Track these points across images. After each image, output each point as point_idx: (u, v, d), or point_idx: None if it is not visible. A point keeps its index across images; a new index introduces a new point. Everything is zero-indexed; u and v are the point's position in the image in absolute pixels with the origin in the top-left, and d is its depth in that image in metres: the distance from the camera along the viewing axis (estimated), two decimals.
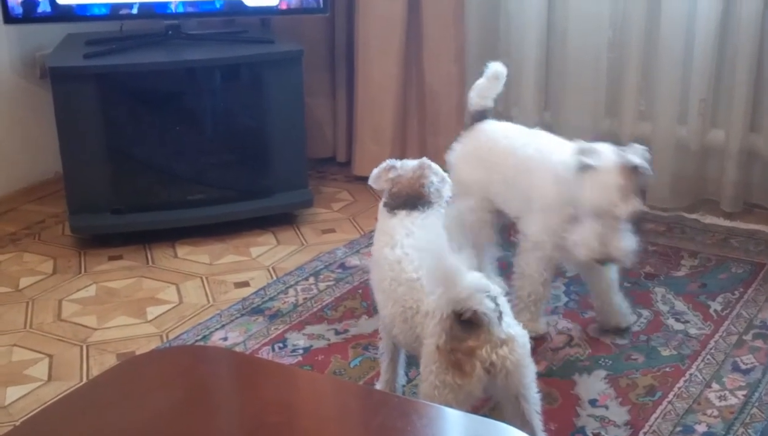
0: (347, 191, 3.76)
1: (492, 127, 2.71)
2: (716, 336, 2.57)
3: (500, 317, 1.82)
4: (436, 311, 1.84)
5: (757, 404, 2.28)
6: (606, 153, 2.26)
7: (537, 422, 1.91)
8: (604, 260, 2.30)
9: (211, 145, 3.43)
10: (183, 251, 3.23)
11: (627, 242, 2.26)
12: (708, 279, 2.88)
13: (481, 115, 2.73)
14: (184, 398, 1.52)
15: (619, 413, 2.26)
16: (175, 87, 3.35)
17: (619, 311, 2.61)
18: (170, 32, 3.37)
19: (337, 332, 2.67)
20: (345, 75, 3.87)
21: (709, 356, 2.49)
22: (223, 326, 2.71)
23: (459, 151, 2.74)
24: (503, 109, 3.73)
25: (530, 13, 3.51)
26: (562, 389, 2.35)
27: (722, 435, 2.18)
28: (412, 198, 2.17)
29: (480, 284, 1.78)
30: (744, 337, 2.57)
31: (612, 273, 2.55)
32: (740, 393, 2.32)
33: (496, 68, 2.68)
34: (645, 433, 2.19)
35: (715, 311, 2.70)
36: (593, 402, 2.30)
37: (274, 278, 3.02)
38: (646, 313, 2.71)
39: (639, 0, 3.34)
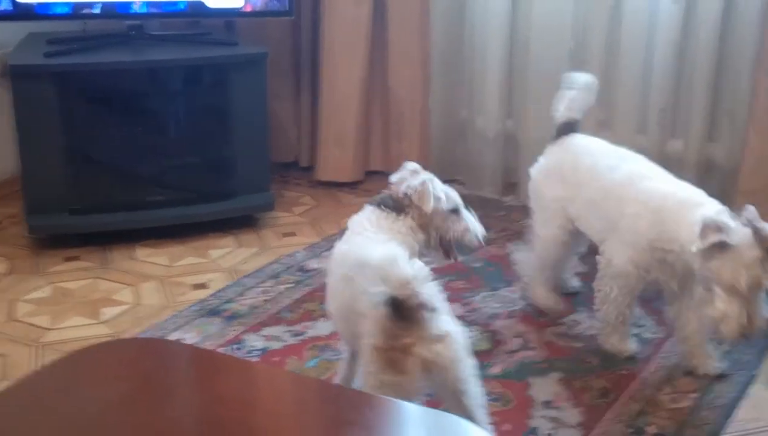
0: (309, 196, 3.76)
1: (579, 142, 2.59)
2: (669, 340, 2.59)
3: (433, 313, 1.82)
4: (371, 309, 1.84)
5: (707, 406, 2.30)
6: (740, 228, 2.11)
7: (482, 416, 1.92)
8: (750, 335, 2.16)
9: (172, 147, 3.42)
10: (142, 252, 3.20)
11: (766, 311, 2.17)
12: None
13: (567, 128, 2.61)
14: (134, 390, 1.50)
15: (572, 415, 2.28)
16: (136, 88, 3.33)
17: (710, 355, 2.44)
18: (133, 32, 3.35)
19: (294, 334, 2.66)
20: (309, 79, 3.88)
21: (662, 360, 2.51)
22: (179, 327, 2.69)
23: (541, 165, 2.64)
24: (468, 117, 3.76)
25: (494, 23, 3.54)
26: (516, 391, 2.36)
27: None
28: (388, 198, 2.17)
29: (417, 272, 1.78)
30: None
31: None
32: (692, 396, 2.34)
33: (587, 79, 2.57)
34: (596, 434, 2.21)
35: (669, 316, 2.72)
36: (547, 404, 2.31)
37: (233, 280, 3.01)
38: None
39: (600, 12, 3.40)
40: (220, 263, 3.14)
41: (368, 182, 3.81)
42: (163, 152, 3.39)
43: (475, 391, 1.90)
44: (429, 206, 2.13)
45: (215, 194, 3.38)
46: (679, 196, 2.31)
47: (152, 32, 3.40)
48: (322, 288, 2.87)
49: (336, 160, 3.80)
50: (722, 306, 2.12)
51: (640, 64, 3.35)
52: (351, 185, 3.79)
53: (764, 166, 3.18)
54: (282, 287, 2.95)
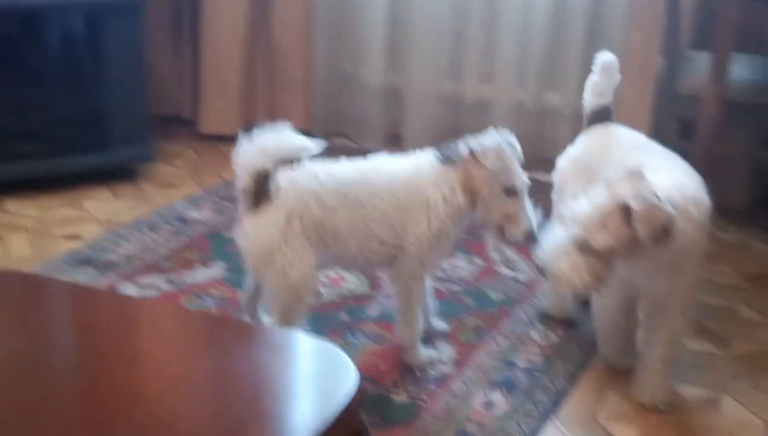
0: (192, 149, 3.68)
1: (610, 133, 2.29)
2: (541, 283, 2.66)
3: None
4: None
5: (575, 341, 2.39)
6: None
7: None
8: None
9: (44, 96, 3.28)
10: (11, 204, 3.07)
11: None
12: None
13: (598, 117, 2.33)
14: (10, 320, 1.43)
15: (446, 352, 2.32)
16: (3, 32, 3.17)
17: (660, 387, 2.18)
18: None
19: (171, 282, 2.61)
20: (190, 30, 3.78)
21: (535, 299, 2.59)
22: (50, 276, 2.60)
23: (568, 155, 2.36)
24: (352, 70, 3.75)
25: None
26: (393, 332, 2.38)
27: (542, 369, 2.27)
28: (448, 148, 2.13)
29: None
30: None
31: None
32: (561, 332, 2.42)
33: (606, 58, 2.33)
34: (470, 369, 2.26)
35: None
36: (423, 342, 2.34)
37: (108, 230, 2.92)
38: (479, 261, 2.79)
39: None
40: (95, 214, 3.05)
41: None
42: (34, 102, 3.25)
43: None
44: (485, 165, 2.02)
45: (90, 146, 3.27)
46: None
47: None
48: (201, 238, 2.86)
49: (219, 113, 3.73)
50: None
51: (519, 17, 3.40)
52: (235, 139, 3.69)
53: (636, 117, 3.29)
54: (159, 237, 2.89)
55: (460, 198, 2.08)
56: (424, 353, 2.27)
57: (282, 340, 1.26)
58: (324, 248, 2.06)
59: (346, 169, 2.10)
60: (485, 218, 2.11)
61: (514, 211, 2.07)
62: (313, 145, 2.02)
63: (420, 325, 2.24)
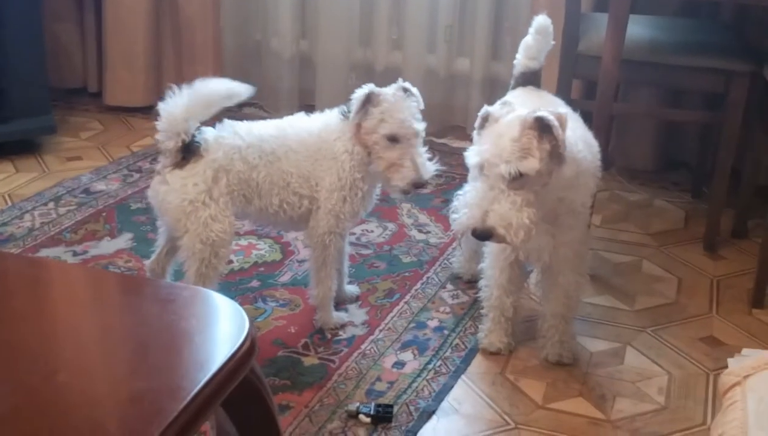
0: (98, 121, 3.59)
1: (531, 94, 2.25)
2: (454, 244, 2.69)
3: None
4: None
5: (485, 302, 2.41)
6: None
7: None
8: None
9: None
10: None
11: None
12: (451, 195, 2.97)
13: (527, 79, 2.30)
14: None
15: (357, 315, 2.32)
16: None
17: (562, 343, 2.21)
18: None
19: (75, 254, 2.54)
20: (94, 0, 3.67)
21: (446, 261, 2.61)
22: None
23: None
24: (263, 39, 3.70)
25: None
26: (304, 297, 2.37)
27: (452, 328, 2.30)
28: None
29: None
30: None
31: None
32: (471, 292, 2.45)
33: (541, 21, 2.28)
34: (381, 330, 2.26)
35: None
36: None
37: (9, 204, 2.83)
38: (391, 226, 2.79)
39: None
40: None
41: None
42: None
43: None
44: (352, 118, 2.05)
45: None
46: None
47: None
48: (106, 209, 2.79)
49: (125, 84, 3.64)
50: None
51: None
52: (143, 110, 3.63)
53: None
54: (63, 209, 2.81)
55: (357, 149, 2.09)
56: (336, 315, 2.27)
57: (171, 292, 1.23)
58: (247, 205, 2.10)
59: (263, 126, 2.14)
60: (375, 167, 2.10)
61: (398, 159, 2.04)
62: (244, 89, 2.03)
63: (333, 286, 2.24)
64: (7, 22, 3.08)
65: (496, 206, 1.83)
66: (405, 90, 2.08)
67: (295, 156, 2.10)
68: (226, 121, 2.10)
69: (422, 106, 2.10)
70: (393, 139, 2.04)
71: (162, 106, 1.98)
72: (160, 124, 1.98)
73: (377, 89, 2.07)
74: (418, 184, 2.06)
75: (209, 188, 2.01)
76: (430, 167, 2.07)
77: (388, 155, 2.05)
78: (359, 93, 2.07)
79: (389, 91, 2.07)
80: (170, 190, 2.02)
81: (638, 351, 2.27)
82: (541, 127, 1.84)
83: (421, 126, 2.08)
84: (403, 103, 2.05)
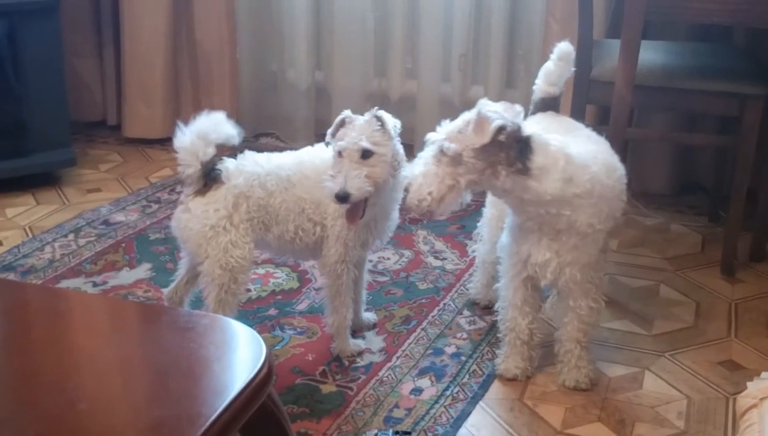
0: (117, 153, 3.64)
1: (552, 120, 2.24)
2: (470, 270, 2.69)
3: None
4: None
5: (501, 324, 2.41)
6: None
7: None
8: None
9: None
10: None
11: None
12: (466, 221, 3.01)
13: (546, 105, 2.31)
14: None
15: (374, 342, 2.33)
16: None
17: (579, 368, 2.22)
18: None
19: (95, 284, 2.57)
20: (111, 34, 3.74)
21: (462, 288, 2.61)
22: None
23: None
24: (279, 70, 3.75)
25: None
26: (321, 324, 2.38)
27: (469, 354, 2.30)
28: None
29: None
30: None
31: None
32: (488, 318, 2.45)
33: (563, 48, 2.30)
34: (398, 357, 2.27)
35: (471, 248, 2.83)
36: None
37: (30, 236, 2.87)
38: (407, 253, 2.81)
39: None
40: (17, 220, 2.99)
41: None
42: None
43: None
44: (327, 139, 2.12)
45: (8, 152, 3.19)
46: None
47: None
48: (125, 240, 2.82)
49: (143, 116, 3.69)
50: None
51: (441, 12, 3.44)
52: (161, 142, 3.68)
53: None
54: (83, 241, 2.84)
55: None
56: (353, 342, 2.28)
57: (189, 320, 1.25)
58: (266, 233, 2.15)
59: (283, 155, 2.21)
60: None
61: (336, 172, 2.05)
62: (237, 133, 2.11)
63: (349, 314, 2.25)
64: (28, 57, 3.14)
65: (420, 167, 1.96)
66: (378, 118, 2.08)
67: (308, 182, 2.15)
68: (247, 152, 2.18)
69: (394, 134, 2.10)
70: (339, 154, 2.07)
71: (175, 139, 2.06)
72: (178, 154, 2.05)
73: (351, 115, 2.10)
74: (338, 196, 2.04)
75: (230, 214, 2.07)
76: (356, 184, 2.03)
77: (332, 169, 2.07)
78: (337, 118, 2.13)
79: (361, 117, 2.09)
80: (192, 217, 2.08)
81: (657, 376, 2.26)
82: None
83: (382, 149, 2.06)
84: (364, 126, 2.06)
